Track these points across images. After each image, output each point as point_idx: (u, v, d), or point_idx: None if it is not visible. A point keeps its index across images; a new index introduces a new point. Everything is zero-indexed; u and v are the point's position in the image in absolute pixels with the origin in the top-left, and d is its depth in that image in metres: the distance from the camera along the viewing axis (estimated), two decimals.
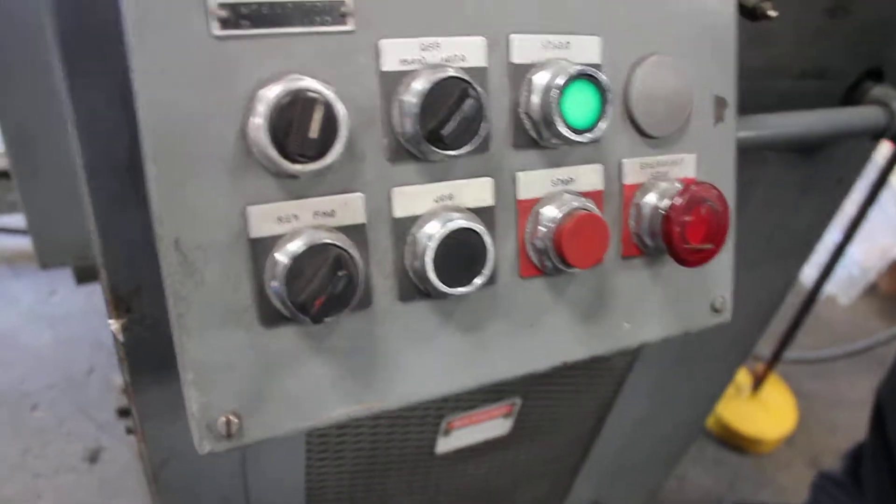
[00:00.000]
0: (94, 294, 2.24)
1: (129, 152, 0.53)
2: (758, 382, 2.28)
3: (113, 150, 0.52)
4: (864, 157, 1.10)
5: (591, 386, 1.11)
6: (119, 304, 0.60)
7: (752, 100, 0.89)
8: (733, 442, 2.22)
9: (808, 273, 2.60)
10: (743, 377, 2.31)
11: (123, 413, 1.74)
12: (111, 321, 0.61)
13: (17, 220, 1.75)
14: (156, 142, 0.39)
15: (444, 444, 1.01)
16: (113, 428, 1.85)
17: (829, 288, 3.04)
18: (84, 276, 1.59)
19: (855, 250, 3.03)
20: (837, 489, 1.67)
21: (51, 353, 2.12)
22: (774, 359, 2.19)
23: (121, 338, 0.61)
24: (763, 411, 2.27)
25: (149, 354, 0.64)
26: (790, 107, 0.91)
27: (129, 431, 1.14)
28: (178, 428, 0.69)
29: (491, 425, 1.04)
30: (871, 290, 3.14)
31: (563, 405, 1.11)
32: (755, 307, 1.25)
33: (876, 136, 0.93)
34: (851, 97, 0.98)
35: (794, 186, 1.06)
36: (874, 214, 2.10)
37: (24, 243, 2.01)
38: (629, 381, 1.13)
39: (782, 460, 2.23)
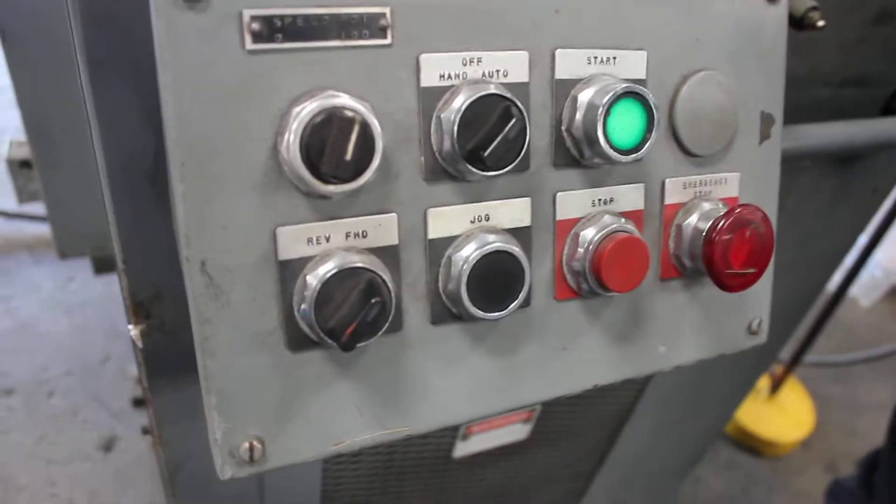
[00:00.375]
0: (112, 282, 2.25)
1: (153, 160, 0.51)
2: (776, 385, 2.26)
3: (137, 157, 0.51)
4: None
5: (611, 393, 1.09)
6: (139, 310, 0.59)
7: (791, 108, 0.87)
8: (749, 444, 2.20)
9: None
10: (761, 380, 2.29)
11: (138, 403, 1.75)
12: (130, 326, 0.60)
13: (38, 208, 1.75)
14: (183, 159, 0.37)
15: (462, 449, 1.00)
16: (128, 417, 1.86)
17: (851, 290, 3.00)
18: (102, 266, 1.58)
19: (879, 253, 2.99)
20: (850, 497, 1.65)
21: (68, 340, 2.13)
22: (793, 361, 2.16)
23: (140, 344, 0.60)
24: (780, 414, 2.25)
25: (167, 359, 0.63)
26: (830, 115, 0.88)
27: (146, 432, 1.13)
28: (195, 431, 0.68)
29: (510, 430, 1.03)
30: (893, 293, 3.09)
31: (583, 411, 1.10)
32: (782, 314, 1.23)
33: None
34: (891, 107, 0.95)
35: (828, 195, 1.03)
36: None
37: (45, 230, 2.01)
38: (650, 388, 1.11)
39: (798, 464, 2.20)
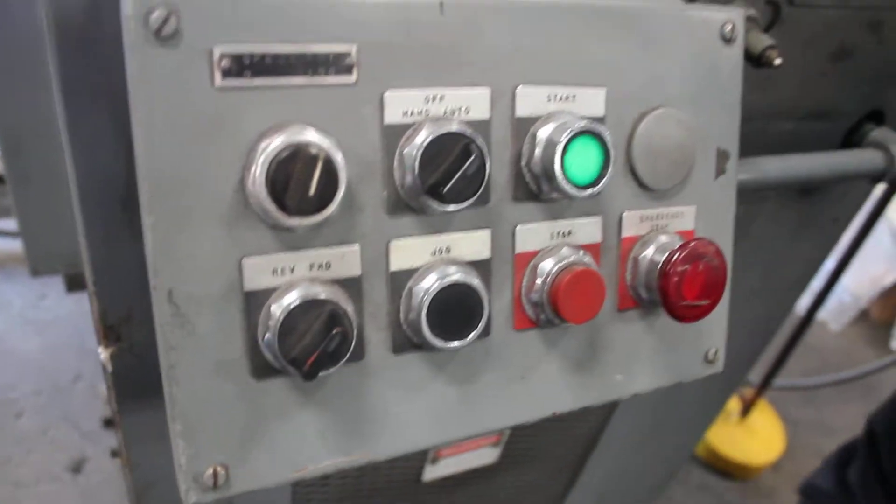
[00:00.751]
0: (83, 300, 2.22)
1: (126, 185, 0.52)
2: (746, 408, 2.28)
3: (110, 182, 0.52)
4: (861, 198, 1.10)
5: (580, 415, 1.11)
6: (109, 332, 0.60)
7: (754, 141, 0.89)
8: (720, 467, 2.22)
9: (801, 300, 2.61)
10: (732, 402, 2.31)
11: (108, 423, 1.73)
12: (100, 349, 0.61)
13: (9, 224, 1.74)
14: (153, 190, 0.38)
15: (432, 472, 1.00)
16: (98, 437, 1.84)
17: (820, 314, 3.04)
18: (75, 284, 1.58)
19: (846, 278, 3.04)
20: (825, 498, 1.68)
21: (38, 358, 2.11)
22: (763, 385, 2.19)
23: (109, 367, 0.61)
24: (751, 437, 2.27)
25: (136, 382, 0.63)
26: (792, 148, 0.91)
27: (114, 454, 1.13)
28: (164, 454, 0.68)
29: (479, 454, 1.03)
30: (862, 318, 3.15)
31: (552, 434, 1.11)
32: (748, 339, 1.25)
33: (874, 179, 0.93)
34: (851, 139, 0.98)
35: (791, 224, 1.06)
36: (867, 243, 2.11)
37: (16, 246, 2.00)
38: (618, 410, 1.12)
39: (769, 487, 2.23)
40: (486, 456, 1.05)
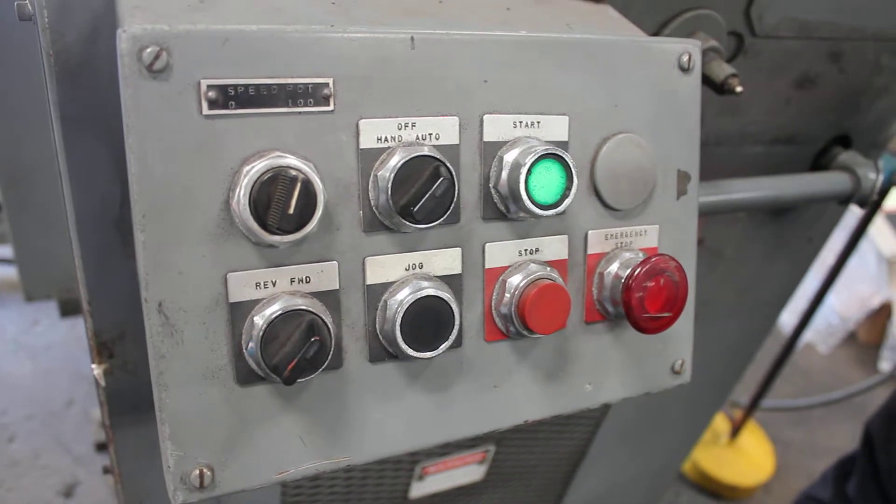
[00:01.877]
0: (77, 326, 2.25)
1: (120, 208, 0.56)
2: (736, 429, 2.30)
3: (105, 206, 0.55)
4: (835, 218, 1.14)
5: (564, 433, 1.13)
6: (102, 350, 0.62)
7: (725, 164, 0.93)
8: (710, 488, 2.23)
9: (788, 321, 2.64)
10: (721, 424, 2.33)
11: (101, 447, 1.74)
12: (94, 366, 0.63)
13: (3, 250, 1.77)
14: (145, 211, 0.42)
15: (419, 489, 1.02)
16: (90, 462, 1.84)
17: (809, 336, 3.08)
18: (68, 309, 1.60)
19: (834, 299, 3.08)
20: None
21: (31, 384, 2.12)
22: (752, 406, 2.21)
23: (102, 383, 0.63)
24: (740, 458, 2.29)
25: (129, 398, 0.66)
26: (761, 170, 0.94)
27: (106, 471, 1.14)
28: (155, 469, 0.70)
29: (465, 471, 1.05)
30: (850, 339, 3.18)
31: (538, 452, 1.13)
32: (730, 356, 1.28)
33: (843, 201, 0.97)
34: (820, 162, 1.02)
35: (765, 244, 1.10)
36: (853, 264, 2.14)
37: (9, 273, 2.02)
38: (603, 427, 1.15)
39: None
40: (472, 473, 1.07)
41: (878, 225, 3.03)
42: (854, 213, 1.67)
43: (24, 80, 1.29)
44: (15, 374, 2.16)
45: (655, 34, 0.73)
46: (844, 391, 2.32)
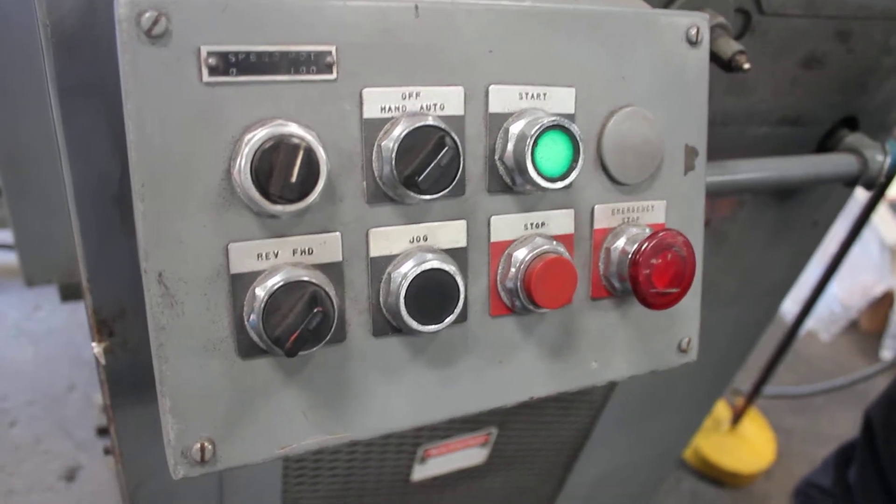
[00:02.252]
0: (78, 310, 2.25)
1: (119, 184, 0.55)
2: (737, 416, 2.30)
3: (105, 181, 0.54)
4: (841, 202, 1.13)
5: (567, 417, 1.12)
6: (102, 327, 0.62)
7: (730, 144, 0.92)
8: (711, 475, 2.23)
9: (790, 308, 2.63)
10: (722, 411, 2.33)
11: (102, 431, 1.74)
12: (94, 344, 0.63)
13: (4, 235, 1.76)
14: (144, 180, 0.41)
15: (421, 472, 1.02)
16: (91, 446, 1.84)
17: (811, 324, 3.07)
18: (69, 293, 1.60)
19: (836, 288, 3.07)
20: (825, 497, 1.71)
21: (32, 369, 2.12)
22: (754, 393, 2.21)
23: (103, 361, 0.63)
24: (742, 445, 2.29)
25: (129, 377, 0.65)
26: (767, 152, 0.93)
27: (107, 452, 1.14)
28: (156, 449, 0.70)
29: (467, 454, 1.05)
30: (852, 327, 3.18)
31: (540, 435, 1.13)
32: (733, 342, 1.28)
33: (849, 183, 0.96)
34: (826, 144, 1.01)
35: (770, 228, 1.09)
36: (856, 252, 2.13)
37: (10, 259, 2.01)
38: (605, 412, 1.14)
39: (760, 495, 2.24)
40: (474, 456, 1.07)
41: (882, 213, 3.02)
42: (857, 201, 1.66)
43: (23, 63, 1.28)
44: (16, 360, 2.16)
45: (665, 7, 0.72)
46: (846, 379, 2.32)
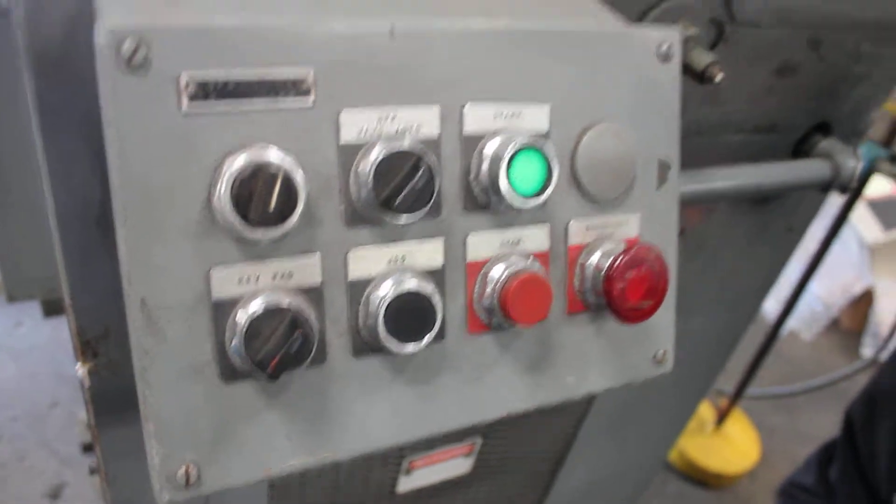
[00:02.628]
0: (60, 326, 2.22)
1: (101, 205, 0.55)
2: (721, 417, 2.32)
3: (86, 203, 0.55)
4: (815, 207, 1.15)
5: (550, 424, 1.13)
6: (86, 349, 0.62)
7: (706, 153, 0.94)
8: (696, 476, 2.25)
9: (771, 308, 2.66)
10: (706, 412, 2.35)
11: (87, 448, 1.73)
12: (78, 365, 0.63)
13: None
14: (125, 206, 0.41)
15: (406, 484, 1.03)
16: (76, 463, 1.84)
17: (792, 324, 3.11)
18: (51, 309, 1.59)
19: (817, 287, 3.11)
20: (808, 496, 1.73)
21: (14, 385, 2.11)
22: (737, 394, 2.23)
23: (87, 382, 0.63)
24: (726, 446, 2.31)
25: (114, 398, 0.65)
26: (743, 159, 0.95)
27: (93, 472, 1.14)
28: (141, 470, 0.70)
29: (452, 464, 1.06)
30: (833, 326, 3.21)
31: (524, 444, 1.14)
32: (713, 346, 1.29)
33: (823, 188, 0.98)
34: (801, 149, 1.03)
35: (746, 234, 1.10)
36: (836, 251, 2.16)
37: None
38: (588, 418, 1.15)
39: (745, 495, 2.26)
40: (459, 466, 1.07)
41: (860, 212, 3.06)
42: (836, 200, 1.69)
43: (3, 77, 1.27)
44: None
45: (640, 21, 0.73)
46: (827, 377, 2.35)
